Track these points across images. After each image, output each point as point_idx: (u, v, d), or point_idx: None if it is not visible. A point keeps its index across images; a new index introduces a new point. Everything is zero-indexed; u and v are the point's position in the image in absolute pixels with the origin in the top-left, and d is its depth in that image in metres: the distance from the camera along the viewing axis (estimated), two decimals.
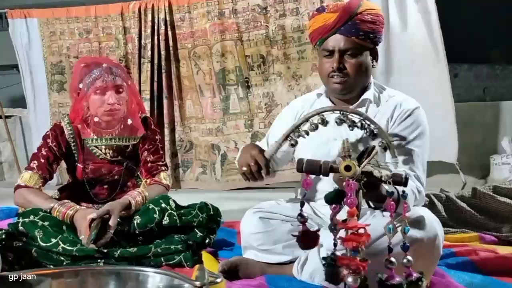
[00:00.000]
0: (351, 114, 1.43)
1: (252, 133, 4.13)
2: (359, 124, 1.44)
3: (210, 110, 4.25)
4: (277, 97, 4.07)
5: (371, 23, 1.59)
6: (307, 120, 1.45)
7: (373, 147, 1.29)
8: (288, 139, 1.44)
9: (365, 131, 1.44)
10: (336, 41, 1.59)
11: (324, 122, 1.45)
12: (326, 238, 1.50)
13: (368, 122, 1.43)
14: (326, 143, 1.64)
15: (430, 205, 2.30)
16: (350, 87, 1.63)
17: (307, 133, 1.45)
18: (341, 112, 1.44)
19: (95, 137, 2.00)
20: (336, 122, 1.45)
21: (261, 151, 1.50)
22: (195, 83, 4.28)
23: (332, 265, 1.17)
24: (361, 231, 1.15)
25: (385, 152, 1.42)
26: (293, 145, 1.46)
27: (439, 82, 3.68)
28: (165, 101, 4.31)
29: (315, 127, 1.44)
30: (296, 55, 3.98)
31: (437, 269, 1.62)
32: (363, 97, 1.66)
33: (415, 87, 3.37)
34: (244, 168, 1.47)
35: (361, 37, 1.58)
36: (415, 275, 1.19)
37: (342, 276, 1.17)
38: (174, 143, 4.36)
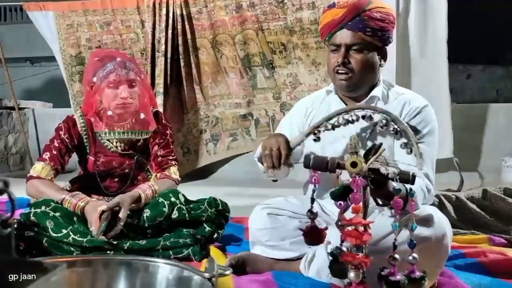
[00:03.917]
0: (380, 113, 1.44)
1: (280, 103, 4.35)
2: (384, 122, 1.44)
3: (237, 88, 4.42)
4: (300, 77, 4.25)
5: (380, 21, 1.58)
6: (337, 115, 1.45)
7: (380, 144, 1.29)
8: (314, 131, 1.44)
9: (391, 130, 1.43)
10: (343, 36, 1.60)
11: (351, 121, 1.46)
12: (333, 236, 1.51)
13: (394, 122, 1.43)
14: (334, 140, 1.64)
15: (440, 206, 2.29)
16: (355, 83, 1.63)
17: (333, 128, 1.45)
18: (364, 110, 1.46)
19: (107, 130, 2.02)
20: (363, 119, 1.46)
21: (287, 140, 1.48)
22: (220, 66, 4.40)
23: (338, 260, 1.18)
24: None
25: (411, 154, 1.41)
26: (315, 140, 1.46)
27: (438, 80, 3.74)
28: (186, 89, 4.45)
29: (344, 124, 1.45)
30: (314, 45, 4.11)
31: (446, 270, 1.62)
32: (371, 94, 1.66)
33: (413, 83, 3.42)
34: (267, 152, 1.43)
35: (368, 33, 1.58)
36: (418, 273, 1.18)
37: (347, 271, 1.17)
38: (200, 121, 4.57)
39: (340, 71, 1.61)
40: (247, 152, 4.53)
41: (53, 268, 0.63)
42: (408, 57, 3.82)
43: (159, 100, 4.24)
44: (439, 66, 3.79)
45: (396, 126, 1.43)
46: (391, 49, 3.56)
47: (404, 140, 1.42)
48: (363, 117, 1.47)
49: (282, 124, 1.85)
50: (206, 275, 0.96)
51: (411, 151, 1.38)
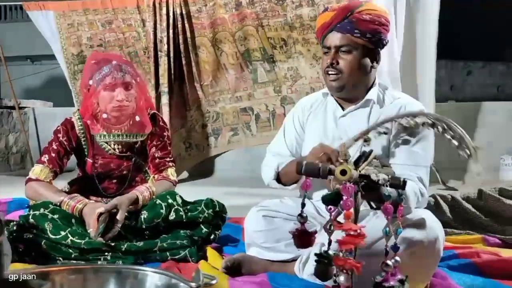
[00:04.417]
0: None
1: (281, 97, 4.36)
2: (440, 130, 1.46)
3: (237, 82, 4.44)
4: (301, 71, 4.26)
5: (370, 23, 1.60)
6: (391, 120, 1.47)
7: (371, 151, 1.30)
8: (364, 137, 1.46)
9: (447, 137, 1.45)
10: (333, 38, 1.63)
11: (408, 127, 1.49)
12: (326, 238, 1.53)
13: (450, 129, 1.46)
14: (331, 142, 1.65)
15: (436, 206, 2.30)
16: (345, 84, 1.65)
17: (386, 133, 1.47)
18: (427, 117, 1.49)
19: (104, 133, 2.04)
20: (421, 125, 1.49)
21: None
22: (220, 63, 4.42)
23: (323, 263, 1.19)
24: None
25: (469, 158, 1.43)
26: (366, 140, 1.48)
27: (425, 82, 3.71)
28: (188, 86, 4.48)
29: (402, 130, 1.49)
30: (314, 40, 4.13)
31: (439, 271, 1.63)
32: (366, 97, 1.67)
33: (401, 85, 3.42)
34: (321, 154, 1.42)
35: (356, 35, 1.60)
36: (399, 276, 1.19)
37: (331, 274, 1.18)
38: (202, 117, 4.60)
39: (329, 72, 1.64)
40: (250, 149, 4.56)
41: (39, 286, 0.64)
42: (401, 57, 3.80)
43: (165, 99, 4.30)
44: (426, 67, 3.76)
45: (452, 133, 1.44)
46: (394, 48, 3.57)
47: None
48: (423, 124, 1.48)
49: (286, 123, 1.87)
50: (193, 285, 0.99)
51: (468, 157, 1.40)
